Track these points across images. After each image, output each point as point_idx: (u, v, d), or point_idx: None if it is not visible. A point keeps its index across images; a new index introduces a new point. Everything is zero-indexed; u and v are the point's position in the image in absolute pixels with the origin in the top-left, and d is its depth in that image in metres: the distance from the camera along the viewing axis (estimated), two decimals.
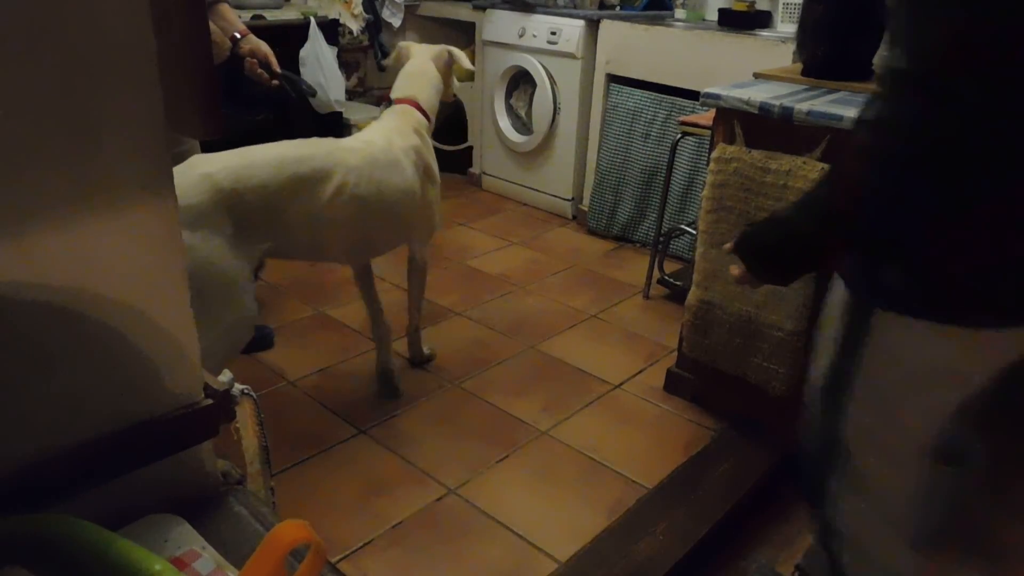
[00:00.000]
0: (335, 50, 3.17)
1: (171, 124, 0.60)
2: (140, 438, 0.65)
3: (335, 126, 3.17)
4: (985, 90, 0.80)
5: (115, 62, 0.56)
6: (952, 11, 0.81)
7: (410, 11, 3.99)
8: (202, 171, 1.55)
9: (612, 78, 3.27)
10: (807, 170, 1.68)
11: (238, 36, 1.94)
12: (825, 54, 1.86)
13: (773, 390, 1.89)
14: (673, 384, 2.24)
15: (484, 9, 3.67)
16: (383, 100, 3.63)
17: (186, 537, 0.65)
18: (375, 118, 2.10)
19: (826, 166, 1.66)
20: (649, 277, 2.86)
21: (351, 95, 3.76)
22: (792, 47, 2.39)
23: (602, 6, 3.52)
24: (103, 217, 0.59)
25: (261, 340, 2.36)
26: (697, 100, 1.99)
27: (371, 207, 1.84)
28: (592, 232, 3.48)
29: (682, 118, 2.64)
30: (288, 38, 2.88)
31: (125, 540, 0.53)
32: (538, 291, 2.90)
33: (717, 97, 1.84)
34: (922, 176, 0.87)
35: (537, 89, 3.52)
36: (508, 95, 3.75)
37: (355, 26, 3.61)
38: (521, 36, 3.50)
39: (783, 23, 2.97)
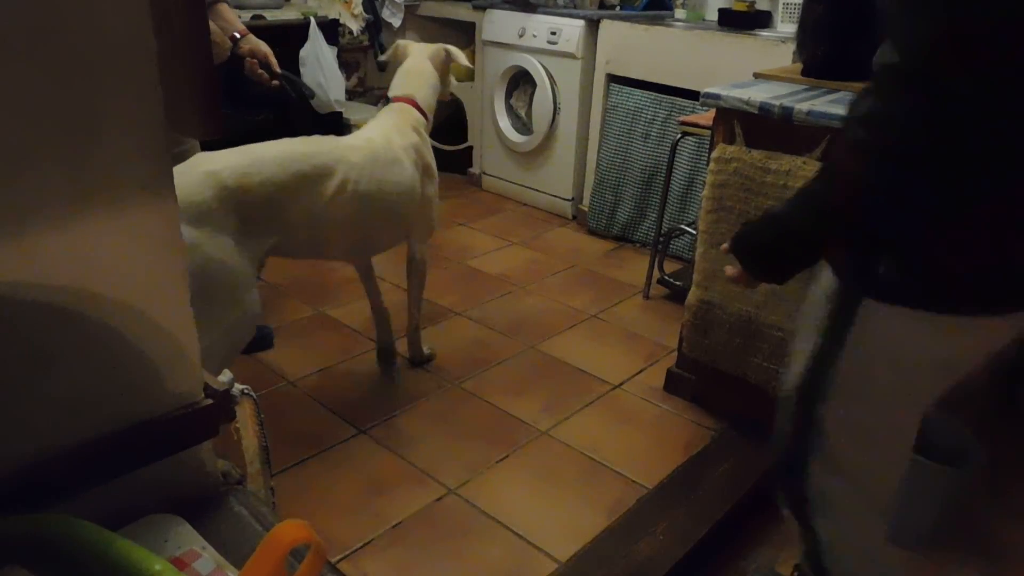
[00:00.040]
0: (335, 50, 3.17)
1: (171, 124, 0.60)
2: (140, 438, 0.65)
3: (335, 126, 3.16)
4: (977, 86, 0.81)
5: (115, 62, 0.56)
6: (941, 8, 0.82)
7: (410, 11, 3.99)
8: (207, 168, 1.55)
9: (612, 78, 3.27)
10: (807, 170, 1.68)
11: (238, 36, 1.94)
12: (825, 54, 1.85)
13: (773, 390, 1.88)
14: (673, 384, 2.24)
15: (484, 9, 3.67)
16: (382, 100, 3.63)
17: (186, 537, 0.64)
18: (375, 118, 2.10)
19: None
20: (649, 277, 2.86)
21: (351, 95, 3.76)
22: (792, 47, 2.39)
23: (602, 6, 3.52)
24: (103, 217, 0.59)
25: (261, 340, 2.36)
26: (697, 100, 1.99)
27: (372, 204, 1.85)
28: (592, 232, 3.48)
29: (682, 118, 2.64)
30: (288, 38, 2.88)
31: (125, 540, 0.53)
32: (538, 291, 2.90)
33: (717, 97, 1.84)
34: (917, 172, 0.88)
35: (537, 89, 3.52)
36: (508, 95, 3.75)
37: (355, 26, 3.61)
38: (521, 36, 3.50)
39: (783, 23, 2.97)
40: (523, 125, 3.75)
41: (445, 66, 2.23)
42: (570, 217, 3.64)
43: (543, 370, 2.36)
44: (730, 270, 1.14)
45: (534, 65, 3.47)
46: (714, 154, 1.85)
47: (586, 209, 3.51)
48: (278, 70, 2.01)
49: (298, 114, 2.85)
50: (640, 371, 2.37)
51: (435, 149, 2.13)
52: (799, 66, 1.97)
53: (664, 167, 2.75)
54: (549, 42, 3.38)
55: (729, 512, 1.75)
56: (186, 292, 0.66)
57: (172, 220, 0.63)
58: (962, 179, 0.88)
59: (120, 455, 0.65)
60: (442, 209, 2.17)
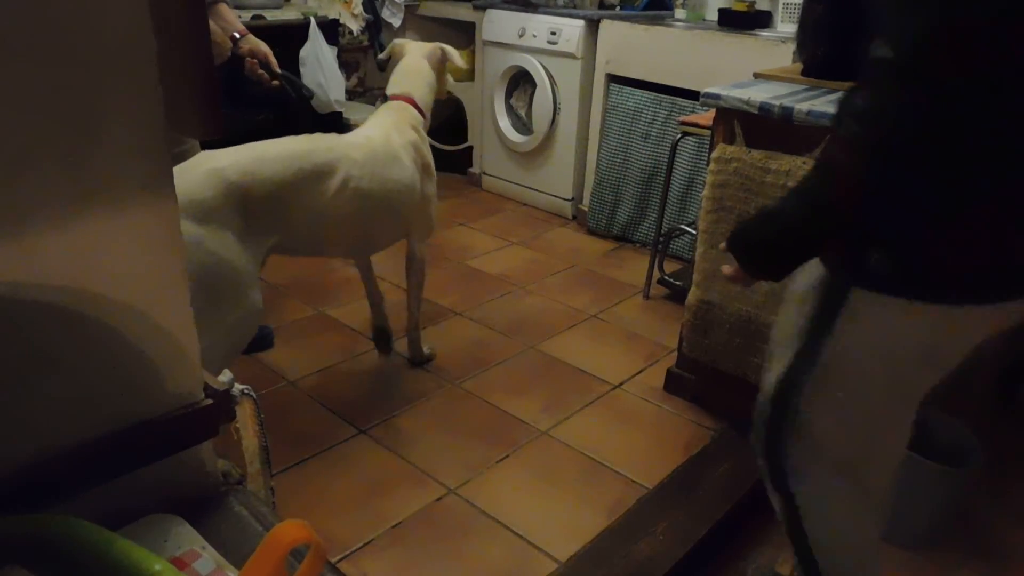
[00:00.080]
0: (335, 50, 3.18)
1: (171, 124, 0.60)
2: (140, 438, 0.65)
3: (335, 126, 3.17)
4: (971, 82, 0.81)
5: (115, 62, 0.56)
6: (935, 3, 0.81)
7: (410, 11, 3.99)
8: (211, 166, 1.55)
9: (612, 78, 3.27)
10: (807, 170, 1.68)
11: (237, 36, 1.94)
12: (825, 54, 1.85)
13: None
14: (673, 384, 2.24)
15: (484, 9, 3.67)
16: (380, 98, 3.63)
17: (186, 537, 0.64)
18: (373, 115, 2.11)
19: None
20: (649, 277, 2.86)
21: (351, 95, 3.76)
22: (792, 47, 2.39)
23: (602, 6, 3.52)
24: (103, 217, 0.59)
25: (261, 340, 2.36)
26: (697, 100, 1.99)
27: (373, 202, 1.86)
28: (592, 232, 3.48)
29: (682, 118, 2.64)
30: (288, 38, 2.88)
31: (125, 540, 0.53)
32: (538, 291, 2.90)
33: (717, 97, 1.84)
34: (911, 167, 0.88)
35: (537, 89, 3.52)
36: (508, 95, 3.75)
37: (355, 26, 3.61)
38: (521, 36, 3.50)
39: (783, 23, 2.97)
40: (523, 125, 3.75)
41: (441, 65, 2.24)
42: (570, 217, 3.64)
43: (543, 370, 2.36)
44: (727, 268, 1.14)
45: (534, 65, 3.47)
46: (714, 154, 1.85)
47: (586, 209, 3.51)
48: (278, 70, 2.02)
49: (298, 114, 2.86)
50: (640, 371, 2.37)
51: (435, 149, 2.14)
52: (799, 66, 1.97)
53: (664, 167, 2.75)
54: (549, 42, 3.38)
55: (729, 512, 1.75)
56: (186, 292, 0.66)
57: (172, 220, 0.63)
58: (957, 175, 0.88)
59: (120, 455, 0.65)
60: (442, 209, 2.18)
